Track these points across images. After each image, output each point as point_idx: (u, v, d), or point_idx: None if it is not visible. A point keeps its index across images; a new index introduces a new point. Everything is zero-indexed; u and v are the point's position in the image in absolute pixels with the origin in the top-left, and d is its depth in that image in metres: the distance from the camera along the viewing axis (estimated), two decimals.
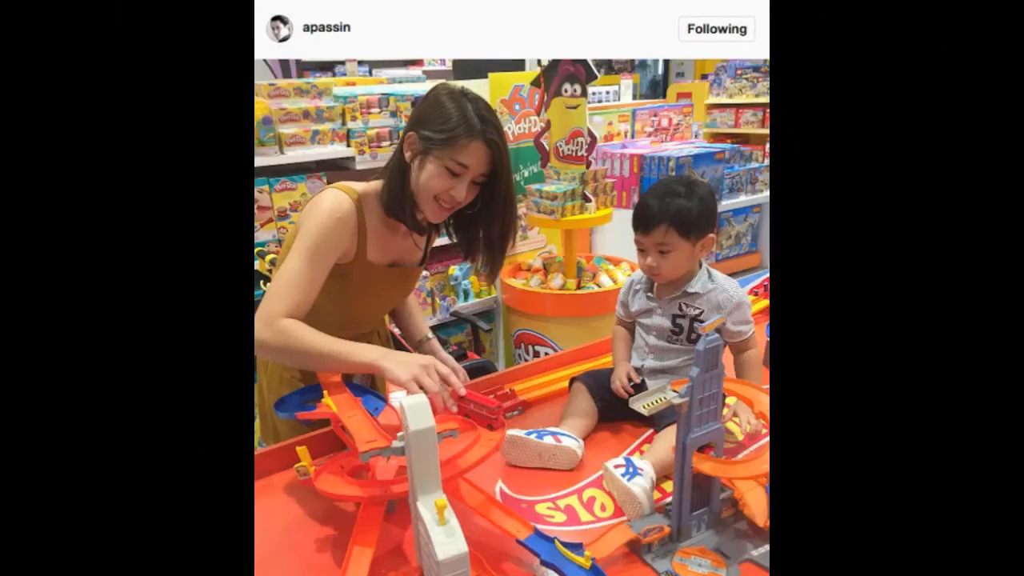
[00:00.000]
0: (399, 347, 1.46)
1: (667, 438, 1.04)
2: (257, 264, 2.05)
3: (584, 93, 2.32)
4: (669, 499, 0.91)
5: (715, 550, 0.86)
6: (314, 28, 1.07)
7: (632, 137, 3.67)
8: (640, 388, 1.17)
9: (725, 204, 3.26)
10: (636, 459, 1.00)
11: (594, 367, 1.38)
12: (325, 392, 1.05)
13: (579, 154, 2.37)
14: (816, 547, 0.59)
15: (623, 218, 1.83)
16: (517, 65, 3.00)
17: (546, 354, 2.43)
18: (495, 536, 0.87)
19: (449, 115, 1.09)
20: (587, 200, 2.39)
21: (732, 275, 1.23)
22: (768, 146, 3.69)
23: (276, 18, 1.03)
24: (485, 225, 1.21)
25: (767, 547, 0.86)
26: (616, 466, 0.98)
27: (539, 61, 2.40)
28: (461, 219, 1.23)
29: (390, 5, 1.11)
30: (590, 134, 2.40)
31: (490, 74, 2.74)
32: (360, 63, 4.47)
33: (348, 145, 2.45)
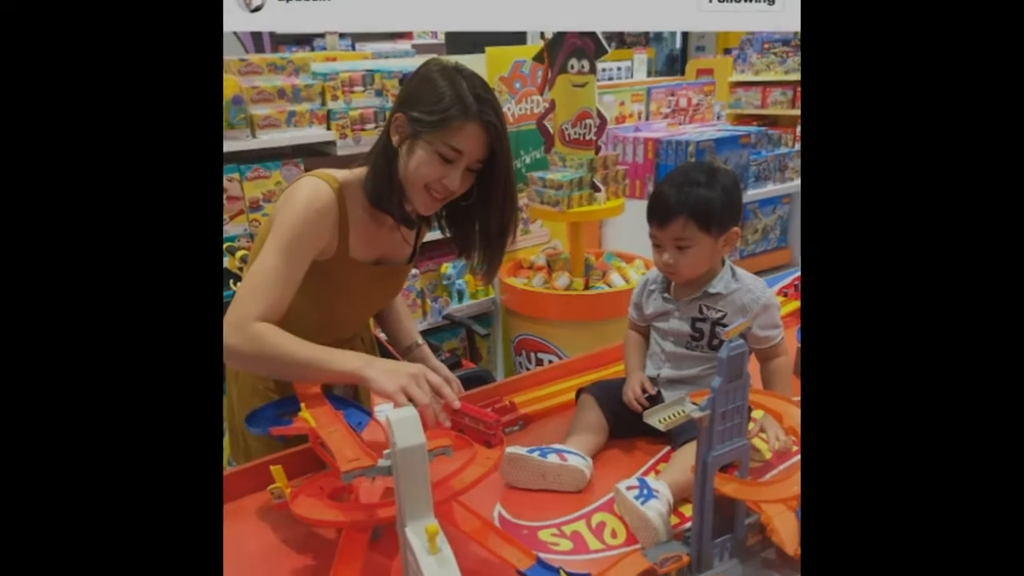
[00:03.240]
0: (385, 354, 1.46)
1: (686, 456, 1.04)
2: (226, 261, 2.05)
3: (593, 70, 2.32)
4: (688, 525, 0.91)
5: None
6: None
7: (647, 119, 3.66)
8: (655, 400, 1.17)
9: (751, 194, 3.25)
10: (651, 480, 1.00)
11: (604, 377, 1.38)
12: (302, 405, 1.05)
13: (587, 138, 2.37)
14: None
15: (636, 210, 1.83)
16: (518, 38, 2.99)
17: (550, 362, 2.43)
18: (493, 566, 0.87)
19: (441, 94, 1.09)
20: (596, 190, 2.38)
21: (759, 273, 1.23)
22: (799, 129, 3.68)
23: None
24: (482, 218, 1.21)
25: None
26: (629, 488, 0.98)
27: (542, 34, 2.40)
28: (455, 211, 1.23)
29: None
30: (599, 116, 2.39)
31: (487, 48, 2.73)
32: (341, 36, 4.47)
33: (328, 128, 2.45)
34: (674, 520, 0.99)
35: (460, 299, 2.88)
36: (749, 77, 4.89)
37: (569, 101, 2.34)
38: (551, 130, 2.43)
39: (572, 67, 2.30)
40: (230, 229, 2.32)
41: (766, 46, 4.79)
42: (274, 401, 1.17)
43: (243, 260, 1.92)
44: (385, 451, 0.80)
